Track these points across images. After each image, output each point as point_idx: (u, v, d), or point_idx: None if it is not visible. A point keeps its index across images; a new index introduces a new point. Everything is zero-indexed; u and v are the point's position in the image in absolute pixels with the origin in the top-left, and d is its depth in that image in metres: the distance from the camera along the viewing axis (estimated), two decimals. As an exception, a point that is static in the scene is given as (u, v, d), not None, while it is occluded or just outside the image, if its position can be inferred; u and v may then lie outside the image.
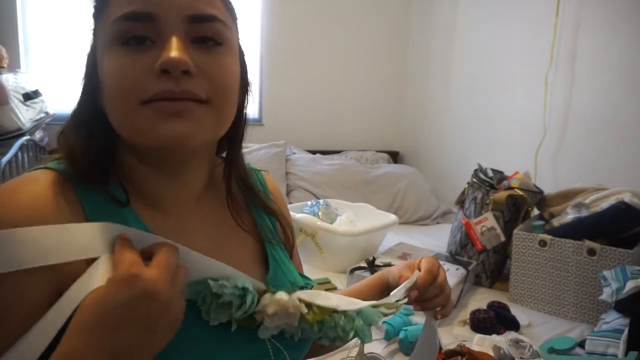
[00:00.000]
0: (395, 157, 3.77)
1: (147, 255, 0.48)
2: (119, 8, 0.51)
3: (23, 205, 0.47)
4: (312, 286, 0.71)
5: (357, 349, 0.80)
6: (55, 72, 2.96)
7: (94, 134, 0.55)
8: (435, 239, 2.52)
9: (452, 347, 1.46)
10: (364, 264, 1.91)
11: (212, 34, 0.53)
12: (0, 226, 0.45)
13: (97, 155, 0.55)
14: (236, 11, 0.60)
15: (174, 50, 0.49)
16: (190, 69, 0.50)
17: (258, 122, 3.50)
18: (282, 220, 0.72)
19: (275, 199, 0.75)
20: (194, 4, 0.52)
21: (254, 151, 3.14)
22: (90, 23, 0.57)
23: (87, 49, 0.58)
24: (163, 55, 0.49)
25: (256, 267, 0.65)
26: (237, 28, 0.60)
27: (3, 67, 2.67)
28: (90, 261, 0.48)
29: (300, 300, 0.57)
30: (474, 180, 2.19)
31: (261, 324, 0.56)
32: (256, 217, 0.69)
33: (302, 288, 0.67)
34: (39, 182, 0.50)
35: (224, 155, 0.67)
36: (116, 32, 0.51)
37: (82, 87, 0.58)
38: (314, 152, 3.44)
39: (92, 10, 0.56)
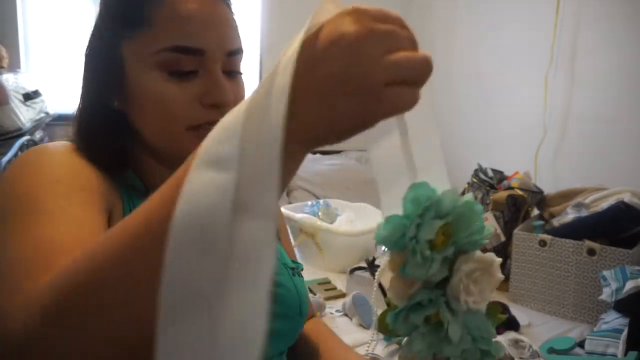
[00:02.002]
0: (395, 157, 3.77)
1: None
2: (168, 38, 0.54)
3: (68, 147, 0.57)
4: (302, 269, 0.74)
5: (356, 348, 0.80)
6: (55, 72, 2.96)
7: (112, 130, 0.60)
8: (435, 239, 2.51)
9: (452, 347, 1.46)
10: (364, 264, 1.91)
11: (239, 65, 0.60)
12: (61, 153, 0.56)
13: (115, 148, 0.60)
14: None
15: (225, 89, 0.56)
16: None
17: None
18: None
19: None
20: (232, 40, 0.58)
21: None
22: (109, 23, 0.58)
23: (94, 41, 0.60)
24: (217, 92, 0.55)
25: None
26: None
27: (3, 67, 2.67)
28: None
29: None
30: (474, 180, 2.19)
31: None
32: None
33: (293, 270, 0.70)
34: (59, 143, 0.59)
35: None
36: (164, 61, 0.55)
37: (90, 79, 0.61)
38: (314, 152, 3.44)
39: (121, 17, 0.57)
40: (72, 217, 0.47)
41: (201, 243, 0.28)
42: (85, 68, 0.62)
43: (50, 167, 0.52)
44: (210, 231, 0.28)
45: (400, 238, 0.38)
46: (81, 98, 0.62)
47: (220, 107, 0.56)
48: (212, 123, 0.53)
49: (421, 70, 0.33)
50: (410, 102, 0.33)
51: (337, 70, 0.30)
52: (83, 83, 0.62)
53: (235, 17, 0.60)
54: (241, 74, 0.61)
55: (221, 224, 0.28)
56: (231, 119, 0.31)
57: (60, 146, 0.57)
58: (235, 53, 0.58)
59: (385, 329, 0.40)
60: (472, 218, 0.41)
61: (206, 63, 0.55)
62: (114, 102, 0.59)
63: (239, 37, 0.60)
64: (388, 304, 0.43)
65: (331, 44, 0.30)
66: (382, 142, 0.41)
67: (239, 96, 0.59)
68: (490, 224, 2.05)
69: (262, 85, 0.31)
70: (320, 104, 0.31)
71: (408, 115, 0.39)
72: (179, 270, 0.27)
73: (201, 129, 0.56)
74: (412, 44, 0.33)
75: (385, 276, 0.55)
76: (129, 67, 0.57)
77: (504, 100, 2.79)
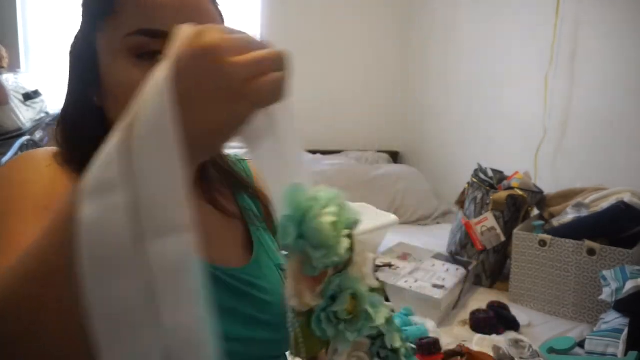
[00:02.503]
0: (395, 157, 3.77)
1: None
2: (133, 21, 0.53)
3: (40, 161, 0.56)
4: None
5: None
6: (55, 72, 2.96)
7: (94, 129, 0.58)
8: (435, 239, 2.52)
9: (452, 347, 1.46)
10: (364, 264, 1.91)
11: None
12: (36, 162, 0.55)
13: (98, 147, 0.57)
14: (222, 12, 0.63)
15: None
16: None
17: (258, 122, 3.49)
18: (266, 201, 0.72)
19: (259, 181, 0.76)
20: (203, 22, 0.55)
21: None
22: (85, 16, 0.59)
23: (73, 41, 0.60)
24: None
25: (242, 250, 0.66)
26: None
27: (3, 67, 2.67)
28: None
29: None
30: (474, 180, 2.19)
31: None
32: (240, 201, 0.71)
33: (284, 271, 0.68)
34: (48, 152, 0.59)
35: None
36: (131, 45, 0.54)
37: (72, 77, 0.61)
38: (314, 152, 3.44)
39: (91, 8, 0.58)
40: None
41: (112, 267, 0.30)
42: (69, 67, 0.61)
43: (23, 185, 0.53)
44: (117, 254, 0.30)
45: (294, 241, 0.40)
46: (65, 98, 0.61)
47: None
48: None
49: (276, 61, 0.35)
50: (272, 92, 0.35)
51: (203, 79, 0.33)
52: (67, 82, 0.61)
53: (216, 8, 0.59)
54: None
55: (125, 244, 0.30)
56: (111, 143, 0.32)
57: (40, 159, 0.57)
58: None
59: (309, 344, 0.37)
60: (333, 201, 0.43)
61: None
62: (94, 99, 0.58)
63: (215, 20, 0.57)
64: (298, 314, 0.43)
65: (192, 57, 0.34)
66: (262, 143, 0.43)
67: None
68: (490, 224, 2.06)
69: (137, 106, 0.33)
70: (196, 112, 0.33)
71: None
72: (101, 298, 0.29)
73: None
74: (263, 46, 0.36)
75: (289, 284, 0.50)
76: (102, 58, 0.57)
77: (504, 100, 2.79)
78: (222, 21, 0.59)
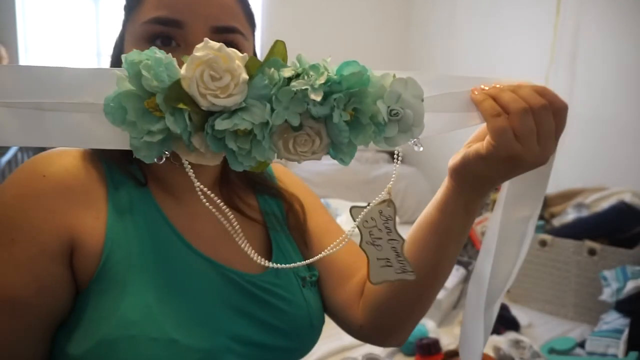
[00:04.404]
0: (395, 157, 3.77)
1: None
2: (151, 11, 0.55)
3: (53, 171, 0.54)
4: (318, 277, 0.69)
5: (357, 348, 0.77)
6: (55, 72, 2.96)
7: None
8: (435, 239, 2.52)
9: (452, 347, 1.46)
10: (364, 264, 1.91)
11: (231, 44, 0.56)
12: (30, 174, 0.52)
13: None
14: (254, 20, 0.63)
15: None
16: None
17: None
18: (290, 200, 0.71)
19: (282, 181, 0.75)
20: (220, 16, 0.56)
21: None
22: (120, 15, 0.61)
23: (116, 37, 0.62)
24: None
25: (261, 255, 0.65)
26: (254, 36, 0.63)
27: (3, 67, 2.67)
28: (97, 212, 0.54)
29: None
30: (474, 180, 2.19)
31: None
32: (262, 204, 0.69)
33: (303, 279, 0.66)
34: (71, 153, 0.57)
35: None
36: (145, 32, 0.55)
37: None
38: (313, 152, 3.44)
39: (125, 4, 0.60)
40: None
41: None
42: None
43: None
44: None
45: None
46: None
47: None
48: None
49: None
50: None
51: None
52: None
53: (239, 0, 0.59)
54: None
55: None
56: None
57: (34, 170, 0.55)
58: (224, 31, 0.56)
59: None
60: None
61: (187, 36, 0.55)
62: None
63: (235, 17, 0.57)
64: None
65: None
66: None
67: None
68: (491, 224, 2.06)
69: None
70: None
71: None
72: None
73: None
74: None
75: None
76: (125, 49, 0.58)
77: (504, 100, 2.79)
78: (246, 12, 0.59)
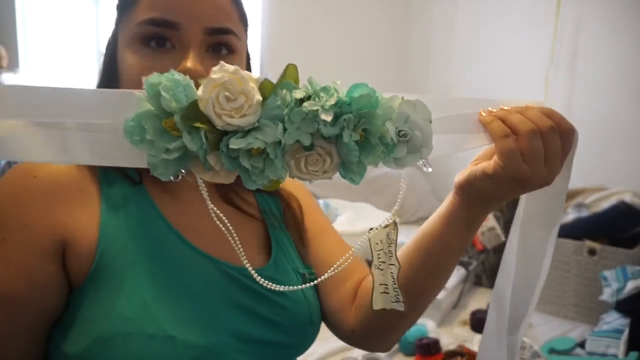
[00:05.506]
0: (395, 157, 3.77)
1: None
2: (146, 12, 0.55)
3: (45, 170, 0.54)
4: (314, 275, 0.69)
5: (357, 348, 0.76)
6: (54, 72, 2.96)
7: None
8: (435, 239, 2.51)
9: (452, 347, 1.46)
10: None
11: (225, 44, 0.58)
12: (23, 174, 0.53)
13: None
14: (247, 19, 0.63)
15: (192, 61, 0.54)
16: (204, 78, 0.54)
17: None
18: (287, 198, 0.72)
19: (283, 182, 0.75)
20: (214, 17, 0.56)
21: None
22: (113, 14, 0.61)
23: (108, 36, 0.62)
24: (182, 64, 0.54)
25: (260, 251, 0.65)
26: (247, 36, 0.63)
27: (2, 67, 2.67)
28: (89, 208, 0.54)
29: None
30: (474, 180, 2.19)
31: None
32: (260, 202, 0.70)
33: (303, 276, 0.66)
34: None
35: None
36: (139, 34, 0.55)
37: (101, 70, 0.62)
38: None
39: (117, 3, 0.60)
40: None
41: None
42: (102, 62, 0.62)
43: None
44: None
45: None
46: None
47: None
48: None
49: None
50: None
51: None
52: (98, 77, 0.62)
53: (232, 1, 0.59)
54: (231, 53, 0.58)
55: None
56: None
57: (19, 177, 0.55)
58: (218, 32, 0.56)
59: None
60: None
61: (182, 38, 0.55)
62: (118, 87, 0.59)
63: (229, 17, 0.58)
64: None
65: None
66: None
67: None
68: (490, 224, 2.06)
69: None
70: None
71: None
72: None
73: None
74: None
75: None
76: (119, 48, 0.58)
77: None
78: (239, 12, 0.60)
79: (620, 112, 2.17)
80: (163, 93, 0.42)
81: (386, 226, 0.58)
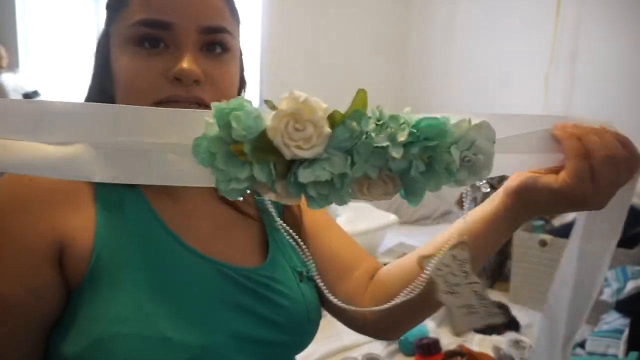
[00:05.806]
0: (395, 157, 3.77)
1: None
2: (137, 13, 0.55)
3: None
4: (312, 273, 0.69)
5: (357, 348, 0.76)
6: (55, 72, 2.96)
7: None
8: (435, 239, 2.52)
9: (452, 347, 1.46)
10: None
11: (220, 43, 0.58)
12: (17, 179, 0.52)
13: None
14: (240, 16, 0.62)
15: (188, 62, 0.54)
16: (200, 79, 0.54)
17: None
18: None
19: None
20: (208, 16, 0.56)
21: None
22: (104, 14, 0.60)
23: (98, 37, 0.61)
24: (178, 65, 0.54)
25: (257, 250, 0.65)
26: (240, 33, 0.63)
27: (2, 67, 2.67)
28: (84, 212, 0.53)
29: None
30: (474, 180, 2.19)
31: None
32: (258, 200, 0.69)
33: (300, 274, 0.66)
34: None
35: None
36: (133, 35, 0.55)
37: (92, 72, 0.62)
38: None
39: (107, 3, 0.59)
40: None
41: None
42: (93, 63, 0.62)
43: None
44: None
45: None
46: (87, 93, 0.62)
47: (184, 82, 0.54)
48: (174, 99, 0.53)
49: None
50: None
51: None
52: (90, 78, 0.62)
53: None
54: (226, 51, 0.58)
55: None
56: None
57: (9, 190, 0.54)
58: (212, 31, 0.56)
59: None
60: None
61: (176, 38, 0.55)
62: (110, 93, 0.59)
63: (222, 16, 0.57)
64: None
65: None
66: None
67: (219, 75, 0.57)
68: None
69: None
70: None
71: None
72: None
73: (164, 104, 0.53)
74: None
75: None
76: (112, 49, 0.58)
77: (504, 100, 2.79)
78: (231, 10, 0.59)
79: (620, 112, 2.18)
80: (234, 124, 0.42)
81: (453, 247, 0.56)
